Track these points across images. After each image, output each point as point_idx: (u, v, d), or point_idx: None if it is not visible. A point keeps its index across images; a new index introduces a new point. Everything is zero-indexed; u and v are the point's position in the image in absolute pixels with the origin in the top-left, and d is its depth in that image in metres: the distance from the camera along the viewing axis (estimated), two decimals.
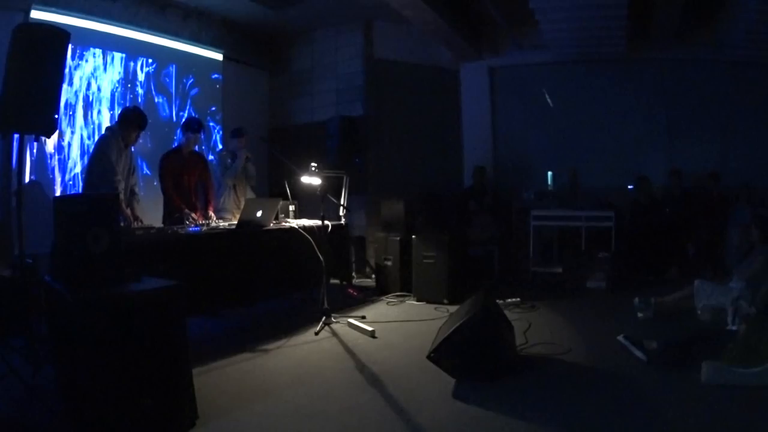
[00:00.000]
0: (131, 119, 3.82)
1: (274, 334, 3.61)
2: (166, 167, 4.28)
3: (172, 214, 4.16)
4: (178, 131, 4.78)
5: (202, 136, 5.04)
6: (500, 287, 5.05)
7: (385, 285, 5.09)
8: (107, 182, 3.64)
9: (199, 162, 4.55)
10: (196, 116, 4.57)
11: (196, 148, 4.70)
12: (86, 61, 4.87)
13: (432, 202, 6.18)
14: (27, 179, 4.27)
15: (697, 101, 6.15)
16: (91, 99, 4.91)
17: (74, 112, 4.79)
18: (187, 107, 5.91)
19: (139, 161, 4.90)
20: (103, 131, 4.09)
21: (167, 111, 5.70)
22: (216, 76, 6.24)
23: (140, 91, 5.40)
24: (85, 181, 3.91)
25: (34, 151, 4.45)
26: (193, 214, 4.14)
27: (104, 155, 3.70)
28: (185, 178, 4.36)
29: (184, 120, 4.60)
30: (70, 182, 4.73)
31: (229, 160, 4.76)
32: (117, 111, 4.82)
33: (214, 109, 6.24)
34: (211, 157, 5.78)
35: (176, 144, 4.92)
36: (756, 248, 3.81)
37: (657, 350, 2.96)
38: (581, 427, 2.24)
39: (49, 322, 2.58)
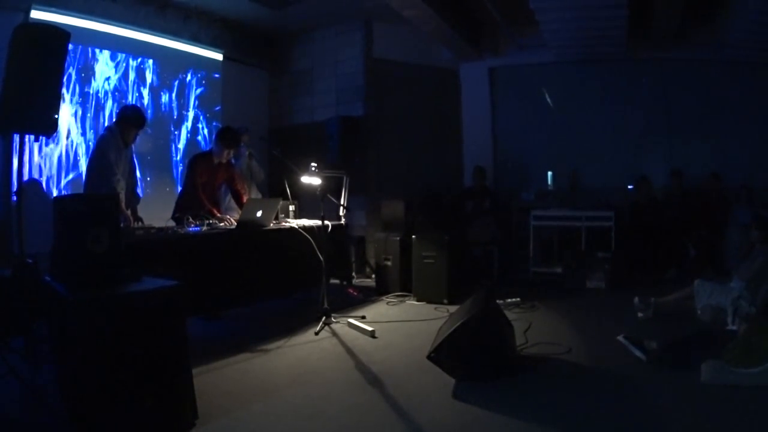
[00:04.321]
0: (129, 118, 3.81)
1: (274, 334, 3.61)
2: (196, 169, 4.17)
3: (195, 209, 3.90)
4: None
5: (243, 151, 4.91)
6: (500, 287, 5.04)
7: (385, 285, 5.08)
8: (106, 182, 3.64)
9: (227, 168, 4.40)
10: (232, 126, 4.40)
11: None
12: (86, 61, 4.87)
13: (432, 202, 6.18)
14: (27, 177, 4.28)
15: (697, 101, 6.15)
16: (90, 99, 4.91)
17: (75, 112, 4.79)
18: (189, 107, 5.92)
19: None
20: (102, 131, 4.08)
21: (167, 111, 5.70)
22: (216, 76, 6.24)
23: (140, 91, 5.40)
24: (86, 181, 3.91)
25: (38, 151, 4.46)
26: (218, 215, 4.07)
27: (102, 155, 3.70)
28: (212, 182, 4.29)
29: (220, 130, 4.41)
30: (70, 182, 4.74)
31: (233, 160, 4.73)
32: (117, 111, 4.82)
33: (217, 109, 6.25)
34: None
35: (207, 149, 4.82)
36: (756, 248, 3.81)
37: (657, 350, 2.96)
38: (581, 427, 2.24)
39: (49, 322, 2.58)
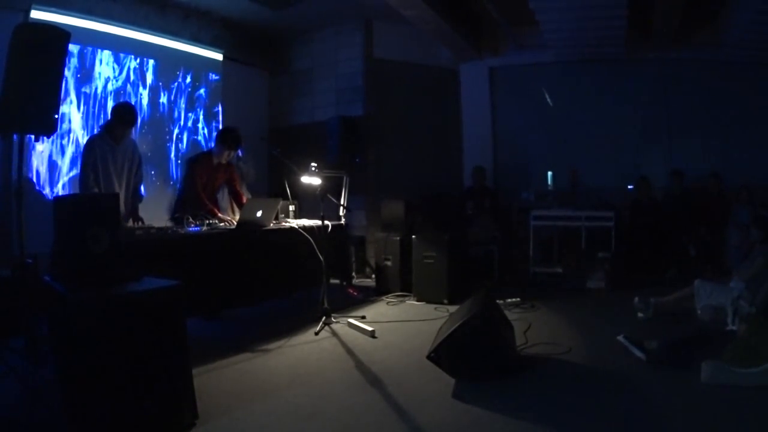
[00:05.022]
0: (117, 115, 3.75)
1: (274, 334, 3.61)
2: (196, 170, 4.16)
3: (195, 209, 3.87)
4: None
5: (240, 152, 4.88)
6: (500, 287, 5.04)
7: (385, 285, 5.09)
8: (84, 184, 3.63)
9: (227, 169, 4.38)
10: (233, 127, 4.41)
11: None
12: (86, 61, 4.87)
13: (432, 202, 6.18)
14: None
15: (697, 101, 6.15)
16: (90, 99, 4.91)
17: (79, 112, 4.79)
18: (189, 107, 5.91)
19: None
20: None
21: (167, 111, 5.69)
22: (216, 76, 6.24)
23: (140, 91, 5.39)
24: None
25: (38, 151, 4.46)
26: (219, 215, 4.06)
27: (85, 156, 3.69)
28: (212, 183, 4.28)
29: (221, 130, 4.43)
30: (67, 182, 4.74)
31: None
32: None
33: (217, 109, 6.24)
34: None
35: (207, 149, 4.83)
36: (756, 248, 3.81)
37: (657, 350, 2.96)
38: (581, 427, 2.24)
39: (49, 322, 2.58)
